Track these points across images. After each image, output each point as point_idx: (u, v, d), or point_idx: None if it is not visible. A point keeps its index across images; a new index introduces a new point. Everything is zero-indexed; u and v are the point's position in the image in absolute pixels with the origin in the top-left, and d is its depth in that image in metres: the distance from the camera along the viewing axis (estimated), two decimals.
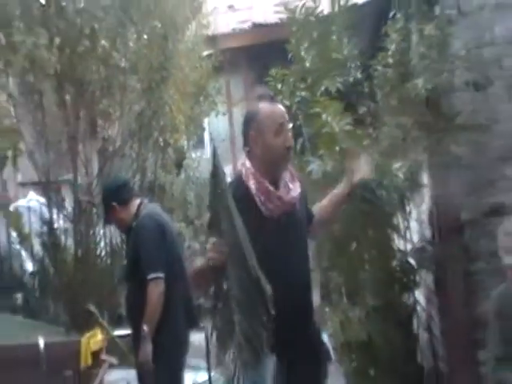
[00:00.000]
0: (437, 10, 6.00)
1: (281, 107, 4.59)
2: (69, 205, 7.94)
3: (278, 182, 4.40)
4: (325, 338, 4.61)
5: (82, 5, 7.37)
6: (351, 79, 6.72)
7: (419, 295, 6.73)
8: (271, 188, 4.33)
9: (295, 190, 4.45)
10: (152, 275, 5.77)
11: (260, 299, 4.00)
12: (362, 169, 4.89)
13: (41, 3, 7.31)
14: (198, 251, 10.09)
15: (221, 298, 4.07)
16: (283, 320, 4.05)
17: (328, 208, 4.92)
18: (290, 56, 7.07)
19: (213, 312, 4.15)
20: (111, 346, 5.94)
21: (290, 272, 4.25)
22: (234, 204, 3.95)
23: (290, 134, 4.51)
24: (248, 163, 4.40)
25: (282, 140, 4.39)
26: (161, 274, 5.79)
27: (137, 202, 6.18)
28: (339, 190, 4.90)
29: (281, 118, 4.45)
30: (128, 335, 6.09)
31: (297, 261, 4.37)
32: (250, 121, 4.45)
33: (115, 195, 6.19)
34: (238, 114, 14.08)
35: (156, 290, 5.75)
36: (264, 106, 4.48)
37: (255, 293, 4.00)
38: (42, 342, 5.23)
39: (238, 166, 4.54)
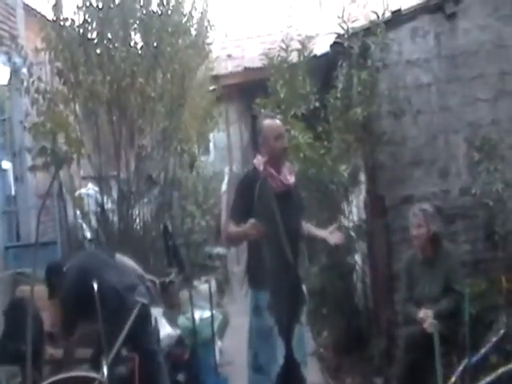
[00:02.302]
0: (369, 62, 6.07)
1: (279, 122, 4.83)
2: (114, 192, 7.74)
3: (279, 172, 4.66)
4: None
5: (125, 54, 7.30)
6: (312, 107, 6.81)
7: (357, 257, 6.86)
8: (275, 174, 4.62)
9: (291, 179, 4.73)
10: None
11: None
12: (337, 236, 4.86)
13: (97, 53, 7.35)
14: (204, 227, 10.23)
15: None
16: (279, 258, 4.39)
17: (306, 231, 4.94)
18: (269, 90, 7.20)
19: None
20: None
21: (284, 227, 4.40)
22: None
23: (285, 139, 4.76)
24: (260, 157, 4.65)
25: (280, 143, 4.66)
26: None
27: None
28: (321, 233, 4.90)
29: (279, 129, 4.72)
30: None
31: (289, 222, 4.50)
32: (260, 131, 4.74)
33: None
34: (233, 131, 14.26)
35: None
36: (268, 122, 4.76)
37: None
38: (95, 285, 4.92)
39: (254, 161, 4.75)
